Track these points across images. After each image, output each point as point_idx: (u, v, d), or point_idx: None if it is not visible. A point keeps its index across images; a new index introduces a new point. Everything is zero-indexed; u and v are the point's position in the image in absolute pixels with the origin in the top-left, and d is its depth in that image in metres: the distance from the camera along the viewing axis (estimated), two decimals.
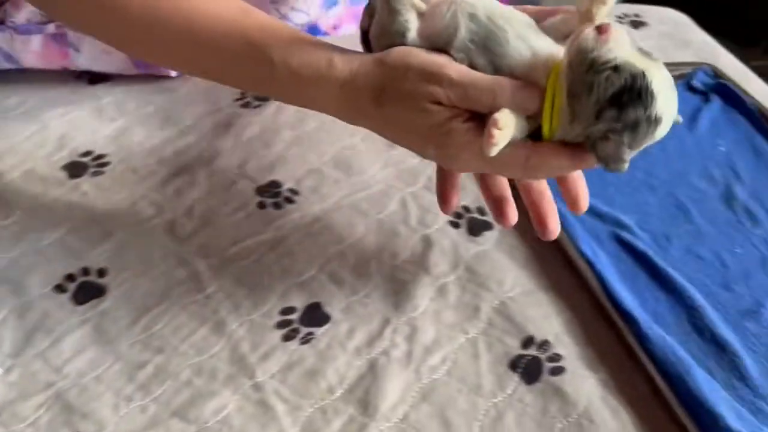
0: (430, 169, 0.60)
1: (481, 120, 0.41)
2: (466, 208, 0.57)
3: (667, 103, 0.38)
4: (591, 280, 0.50)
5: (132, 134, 0.63)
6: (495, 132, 0.39)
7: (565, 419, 0.43)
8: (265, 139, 0.62)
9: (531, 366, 0.46)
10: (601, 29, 0.38)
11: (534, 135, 0.41)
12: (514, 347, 0.47)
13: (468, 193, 0.58)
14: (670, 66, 0.40)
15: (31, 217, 0.55)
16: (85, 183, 0.58)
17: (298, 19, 0.68)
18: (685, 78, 0.68)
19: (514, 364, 0.46)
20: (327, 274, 0.51)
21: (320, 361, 0.46)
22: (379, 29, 0.44)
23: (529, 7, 0.44)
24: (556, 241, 0.53)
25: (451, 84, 0.40)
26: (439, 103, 0.41)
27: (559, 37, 0.42)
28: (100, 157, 0.61)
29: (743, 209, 0.57)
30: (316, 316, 0.49)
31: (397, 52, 0.42)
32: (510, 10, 0.43)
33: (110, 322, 0.48)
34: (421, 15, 0.43)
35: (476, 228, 0.55)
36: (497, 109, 0.40)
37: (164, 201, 0.57)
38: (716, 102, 0.66)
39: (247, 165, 0.60)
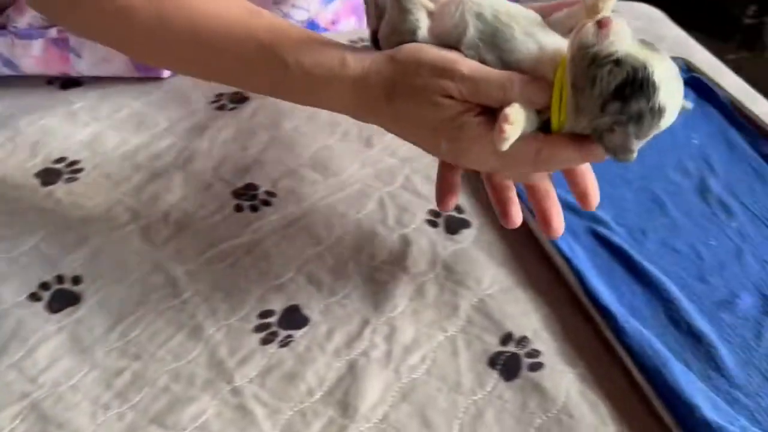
0: (407, 168, 0.60)
1: (492, 114, 0.41)
2: None
3: (670, 92, 0.39)
4: (568, 275, 0.50)
5: (106, 139, 0.62)
6: (506, 127, 0.40)
7: (545, 415, 0.44)
8: (240, 141, 0.62)
9: (510, 362, 0.46)
10: (601, 23, 0.39)
11: (543, 129, 0.42)
12: (493, 344, 0.47)
13: None
14: None
15: (4, 225, 0.54)
16: (59, 190, 0.57)
17: (299, 15, 0.68)
18: None
19: (493, 361, 0.46)
20: (305, 276, 0.51)
21: (299, 363, 0.46)
22: (389, 29, 0.44)
23: (535, 3, 0.44)
24: (534, 238, 0.54)
25: (463, 78, 0.41)
26: (451, 98, 0.42)
27: (565, 31, 0.42)
28: (73, 163, 0.60)
29: (717, 202, 0.58)
30: (294, 318, 0.49)
31: (408, 48, 0.43)
32: (516, 7, 0.43)
33: (86, 330, 0.48)
34: (430, 14, 0.44)
35: (454, 226, 0.55)
36: (507, 103, 0.41)
37: (139, 206, 0.56)
38: (690, 95, 0.67)
39: (223, 168, 0.59)
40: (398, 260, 0.53)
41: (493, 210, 0.55)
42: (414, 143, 0.46)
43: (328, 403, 0.44)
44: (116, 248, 0.53)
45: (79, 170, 0.59)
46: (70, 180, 0.58)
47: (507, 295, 0.50)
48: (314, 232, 0.54)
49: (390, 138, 0.63)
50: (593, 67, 0.39)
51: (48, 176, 0.58)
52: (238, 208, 0.56)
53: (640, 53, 0.39)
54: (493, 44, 0.42)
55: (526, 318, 0.49)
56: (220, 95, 0.66)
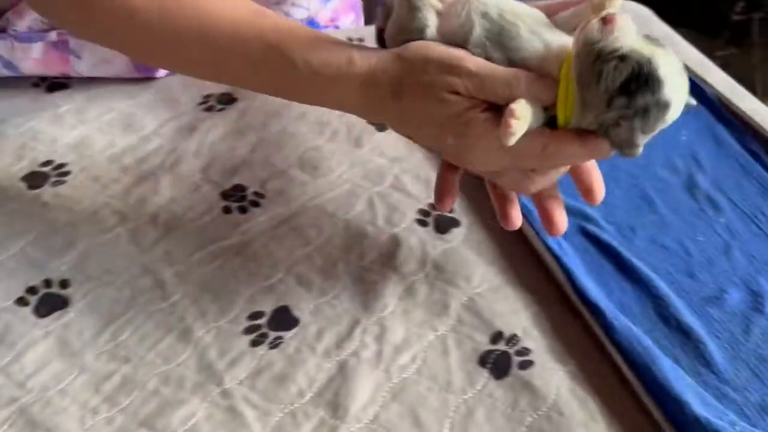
0: (397, 168, 0.60)
1: (498, 111, 0.42)
2: (434, 206, 0.57)
3: (675, 87, 0.39)
4: (557, 273, 0.50)
5: (93, 142, 0.62)
6: (512, 122, 0.40)
7: (535, 413, 0.44)
8: (228, 142, 0.62)
9: (500, 361, 0.46)
10: (606, 20, 0.39)
11: (549, 125, 0.42)
12: (483, 343, 0.47)
13: None
14: None
15: None
16: (46, 193, 0.57)
17: (299, 14, 0.68)
18: None
19: (484, 360, 0.46)
20: (294, 277, 0.51)
21: (289, 365, 0.46)
22: (396, 27, 0.45)
23: (540, 2, 0.45)
24: (523, 236, 0.54)
25: (469, 75, 0.41)
26: (458, 94, 0.42)
27: (571, 30, 0.42)
28: (60, 166, 0.59)
29: (705, 198, 0.58)
30: (284, 319, 0.49)
31: (415, 46, 0.43)
32: (521, 6, 0.44)
33: (74, 334, 0.48)
34: (438, 14, 0.44)
35: (443, 225, 0.55)
36: (513, 100, 0.41)
37: (127, 209, 0.56)
38: None
39: (212, 169, 0.59)
40: (388, 260, 0.52)
41: (482, 209, 0.56)
42: (420, 141, 0.46)
43: (319, 404, 0.44)
44: (104, 251, 0.53)
45: (66, 173, 0.59)
46: (57, 183, 0.58)
47: (497, 293, 0.50)
48: (303, 232, 0.54)
49: (379, 138, 0.63)
50: (598, 63, 0.39)
51: (34, 180, 0.58)
52: (227, 210, 0.56)
53: (645, 48, 0.39)
54: (500, 43, 0.42)
55: (516, 316, 0.49)
56: (207, 96, 0.66)
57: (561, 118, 0.41)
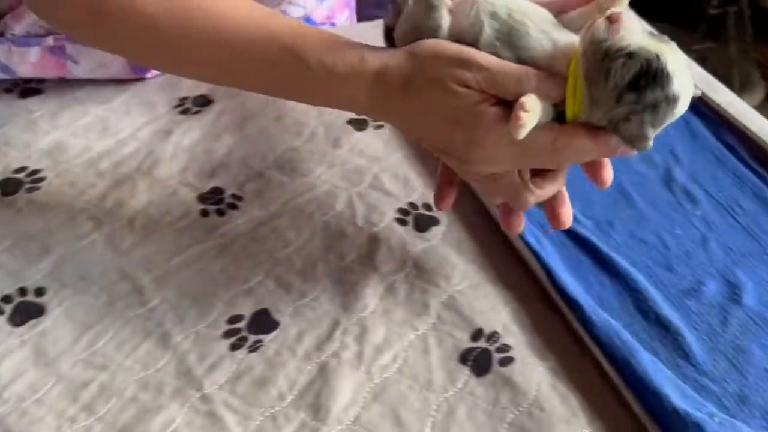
0: (376, 167, 0.60)
1: (507, 107, 0.42)
2: (413, 205, 0.57)
3: (683, 81, 0.40)
4: (536, 269, 0.51)
5: (68, 147, 0.61)
6: (522, 114, 0.40)
7: (516, 409, 0.44)
8: (205, 145, 0.61)
9: (481, 358, 0.46)
10: (611, 19, 0.40)
11: (557, 121, 0.43)
12: (464, 341, 0.47)
13: (415, 189, 0.58)
14: None
15: None
16: (20, 200, 0.56)
17: (295, 12, 0.68)
18: None
19: (464, 358, 0.46)
20: (274, 280, 0.51)
21: (269, 368, 0.46)
22: (410, 26, 0.45)
23: (546, 1, 0.45)
24: (502, 233, 0.54)
25: (480, 69, 0.42)
26: (468, 87, 0.42)
27: (577, 29, 0.43)
28: (35, 172, 0.59)
29: (682, 191, 0.58)
30: (263, 322, 0.48)
31: (427, 43, 0.44)
32: (529, 4, 0.44)
33: (50, 343, 0.47)
34: (450, 12, 0.44)
35: (423, 224, 0.55)
36: (522, 96, 0.41)
37: (103, 214, 0.55)
38: None
39: (188, 172, 0.59)
40: (368, 260, 0.52)
41: (462, 207, 0.56)
42: (428, 140, 0.46)
43: (300, 407, 0.44)
44: (80, 257, 0.52)
45: (41, 179, 0.58)
46: (31, 190, 0.57)
47: (477, 291, 0.50)
48: (282, 234, 0.54)
49: (357, 138, 0.63)
50: (606, 61, 0.40)
51: (8, 186, 0.57)
52: (205, 213, 0.56)
53: (652, 45, 0.40)
54: (509, 42, 0.43)
55: (496, 313, 0.49)
56: (183, 99, 0.65)
57: (569, 114, 0.42)
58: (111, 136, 0.62)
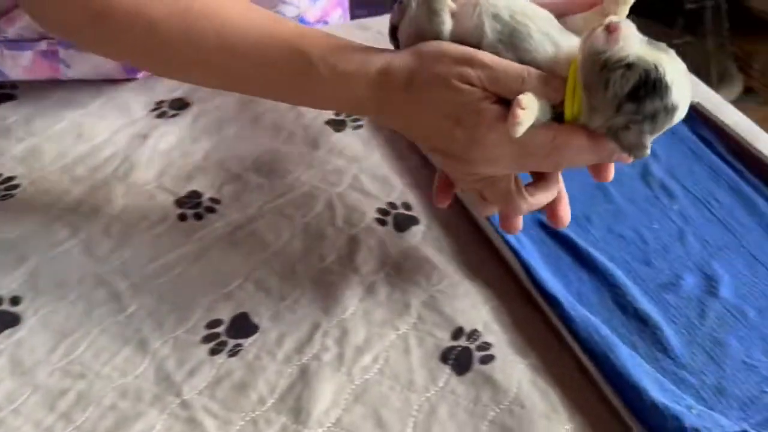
0: (355, 168, 0.60)
1: (508, 106, 0.42)
2: (392, 204, 0.57)
3: (681, 90, 0.41)
4: (516, 267, 0.51)
5: (42, 153, 0.60)
6: (519, 111, 0.41)
7: (497, 407, 0.44)
8: (182, 148, 0.61)
9: (461, 357, 0.46)
10: (610, 29, 0.41)
11: (557, 121, 0.43)
12: (445, 339, 0.47)
13: (394, 188, 0.58)
14: None
15: None
16: None
17: (289, 12, 0.68)
18: None
19: (445, 357, 0.46)
20: (253, 283, 0.51)
21: (249, 372, 0.45)
22: (413, 29, 0.45)
23: (548, 2, 0.45)
24: (481, 232, 0.54)
25: (483, 66, 0.43)
26: (471, 84, 0.43)
27: (580, 33, 0.43)
28: (8, 179, 0.58)
29: (659, 185, 0.59)
30: (243, 326, 0.48)
31: (431, 43, 0.45)
32: (531, 6, 0.45)
33: (27, 352, 0.46)
34: (452, 15, 0.45)
35: (403, 224, 0.55)
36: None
37: (79, 221, 0.55)
38: None
39: (165, 176, 0.58)
40: (348, 261, 0.52)
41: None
42: (428, 138, 0.46)
43: (280, 411, 0.43)
44: (56, 265, 0.52)
45: (15, 186, 0.57)
46: (5, 197, 0.56)
47: (456, 289, 0.50)
48: (261, 237, 0.54)
49: (336, 138, 0.63)
50: (605, 72, 0.40)
51: None
52: (182, 217, 0.55)
53: (651, 55, 0.40)
54: (511, 44, 0.43)
55: (476, 311, 0.49)
56: (160, 102, 0.65)
57: (568, 114, 0.43)
58: (86, 141, 0.61)
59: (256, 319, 0.48)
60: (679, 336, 0.47)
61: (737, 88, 1.67)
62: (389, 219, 0.56)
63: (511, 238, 0.52)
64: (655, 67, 0.40)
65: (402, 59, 0.45)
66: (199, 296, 0.49)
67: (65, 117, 0.63)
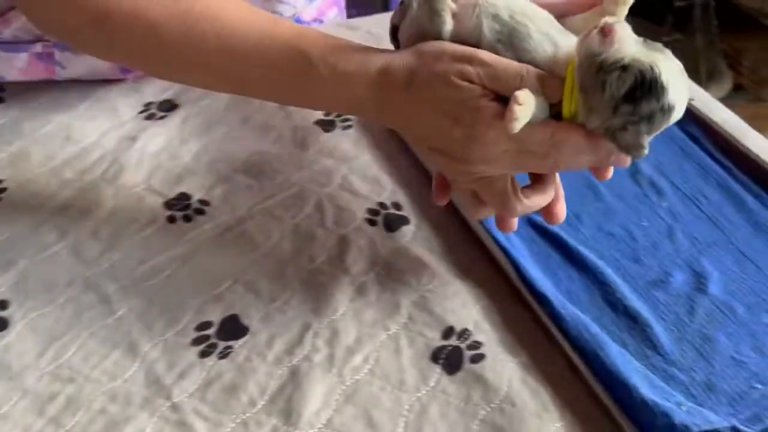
0: (344, 168, 0.60)
1: (506, 104, 0.42)
2: (382, 204, 0.57)
3: (678, 90, 0.41)
4: (506, 266, 0.51)
5: (30, 156, 0.60)
6: (515, 107, 0.41)
7: (488, 405, 0.44)
8: (171, 150, 0.60)
9: (452, 356, 0.46)
10: (605, 31, 0.41)
11: (555, 119, 0.44)
12: (435, 339, 0.47)
13: (384, 188, 0.58)
14: None
15: None
16: None
17: (286, 11, 0.68)
18: None
19: (436, 356, 0.46)
20: (243, 285, 0.50)
21: (240, 374, 0.45)
22: (414, 29, 0.46)
23: (548, 3, 0.45)
24: (471, 231, 0.54)
25: (482, 63, 0.43)
26: (470, 82, 0.43)
27: (580, 33, 0.43)
28: None
29: (649, 183, 0.59)
30: (233, 328, 0.48)
31: (432, 43, 0.45)
32: (531, 6, 0.45)
33: (15, 357, 0.46)
34: (453, 15, 0.45)
35: (393, 224, 0.55)
36: None
37: (68, 224, 0.54)
38: None
39: (154, 178, 0.58)
40: (338, 261, 0.52)
41: (431, 206, 0.55)
42: (427, 138, 0.46)
43: (271, 412, 0.43)
44: (45, 269, 0.51)
45: (3, 190, 0.57)
46: None
47: (447, 288, 0.50)
48: (251, 238, 0.54)
49: (325, 139, 0.62)
50: (601, 74, 0.41)
51: None
52: (171, 219, 0.55)
53: (646, 56, 0.40)
54: (511, 44, 0.44)
55: (467, 310, 0.49)
56: (148, 104, 0.65)
57: (566, 111, 0.43)
58: (75, 143, 0.61)
59: (246, 321, 0.48)
60: (669, 333, 0.47)
61: (727, 85, 1.68)
62: (379, 219, 0.56)
63: (501, 237, 0.52)
64: (651, 68, 0.40)
65: (402, 59, 0.45)
66: (189, 298, 0.49)
67: (53, 119, 0.63)
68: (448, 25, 0.45)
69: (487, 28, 0.44)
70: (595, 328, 0.46)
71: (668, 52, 0.42)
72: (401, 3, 0.47)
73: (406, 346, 0.47)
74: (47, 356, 0.46)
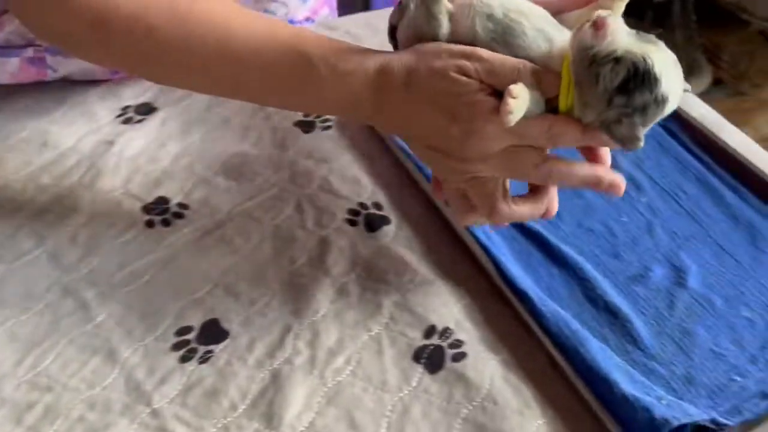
0: (324, 169, 0.59)
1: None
2: (363, 205, 0.57)
3: (671, 81, 0.41)
4: (486, 264, 0.51)
5: (6, 163, 0.59)
6: (510, 101, 0.41)
7: (470, 404, 0.44)
8: (149, 154, 0.60)
9: (434, 355, 0.46)
10: (597, 25, 0.41)
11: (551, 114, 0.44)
12: (417, 338, 0.47)
13: (365, 189, 0.58)
14: None
15: None
16: None
17: (279, 11, 0.68)
18: None
19: (418, 356, 0.46)
20: (223, 288, 0.50)
21: (220, 379, 0.45)
22: (412, 30, 0.46)
23: (544, 0, 0.46)
24: (451, 230, 0.54)
25: (480, 59, 0.44)
26: (468, 77, 0.43)
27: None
28: None
29: (628, 178, 0.58)
30: (213, 333, 0.47)
31: (430, 44, 0.45)
32: (526, 4, 0.45)
33: None
34: (450, 16, 0.45)
35: (373, 224, 0.55)
36: None
37: (45, 229, 0.54)
38: None
39: (132, 183, 0.57)
40: (319, 263, 0.52)
41: (411, 205, 0.56)
42: (426, 137, 0.46)
43: (252, 416, 0.43)
44: (22, 275, 0.51)
45: None
46: None
47: (428, 288, 0.50)
48: (230, 241, 0.53)
49: (305, 140, 0.62)
50: (595, 66, 0.41)
51: None
52: (150, 224, 0.54)
53: (638, 48, 0.41)
54: (505, 41, 0.44)
55: (448, 309, 0.49)
56: (125, 108, 0.64)
57: (562, 105, 0.43)
58: (52, 149, 0.60)
59: (226, 325, 0.48)
60: (649, 327, 0.48)
61: (706, 79, 1.69)
62: (360, 219, 0.55)
63: (481, 235, 0.52)
64: (644, 60, 0.40)
65: (401, 59, 0.45)
66: (169, 303, 0.49)
67: (28, 125, 0.62)
68: (445, 28, 0.45)
69: (481, 28, 0.44)
70: (575, 325, 0.46)
71: (661, 44, 0.42)
72: (399, 3, 0.47)
73: (388, 346, 0.47)
74: (25, 364, 0.46)
